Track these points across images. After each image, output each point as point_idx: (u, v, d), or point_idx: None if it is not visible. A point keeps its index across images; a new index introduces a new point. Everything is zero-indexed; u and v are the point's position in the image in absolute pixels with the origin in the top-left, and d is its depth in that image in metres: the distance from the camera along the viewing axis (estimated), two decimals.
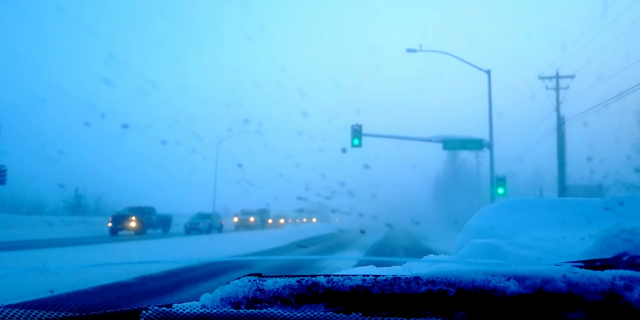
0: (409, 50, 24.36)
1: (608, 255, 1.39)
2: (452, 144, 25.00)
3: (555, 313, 0.89)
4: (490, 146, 23.81)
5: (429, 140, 24.34)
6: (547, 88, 26.40)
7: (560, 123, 25.55)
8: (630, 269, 1.03)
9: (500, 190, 21.62)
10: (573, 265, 1.09)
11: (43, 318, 0.83)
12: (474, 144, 24.81)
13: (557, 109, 25.91)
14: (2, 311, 0.81)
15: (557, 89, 26.17)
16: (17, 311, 0.82)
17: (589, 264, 1.28)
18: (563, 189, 26.25)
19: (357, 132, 23.69)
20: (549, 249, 1.96)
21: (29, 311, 0.83)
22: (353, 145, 23.56)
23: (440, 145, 24.39)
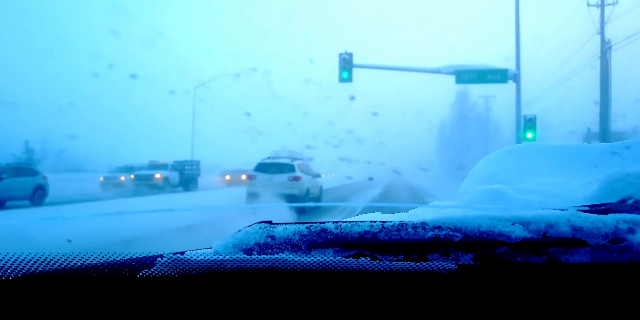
0: None
1: (613, 199, 1.40)
2: (468, 76, 19.05)
3: (559, 256, 0.92)
4: (517, 78, 18.58)
5: (438, 71, 19.29)
6: (588, 4, 20.42)
7: (605, 49, 19.62)
8: (635, 213, 1.05)
9: (530, 135, 17.09)
10: (577, 210, 1.10)
11: (63, 265, 0.86)
12: (496, 76, 18.66)
13: (601, 30, 19.80)
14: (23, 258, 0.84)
15: (602, 4, 20.09)
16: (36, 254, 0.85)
17: (594, 208, 1.30)
18: (606, 134, 20.59)
19: (346, 63, 18.47)
20: (554, 194, 1.98)
21: (51, 257, 0.86)
22: (342, 79, 18.49)
23: (451, 79, 19.14)
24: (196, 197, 23.58)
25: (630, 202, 1.28)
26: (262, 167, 17.39)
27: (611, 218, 0.96)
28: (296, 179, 16.74)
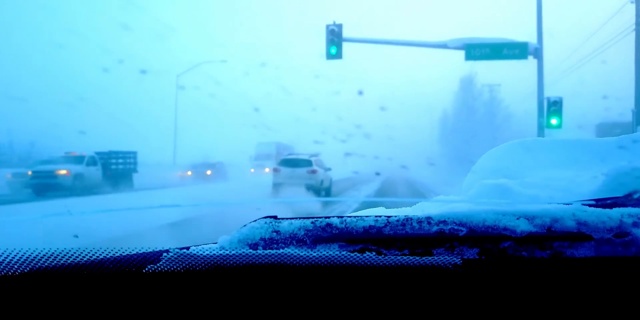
0: None
1: (619, 193, 1.40)
2: (481, 51, 15.95)
3: (564, 250, 0.92)
4: (538, 53, 15.82)
5: (444, 46, 16.36)
6: None
7: None
8: None
9: (555, 121, 14.59)
10: (583, 204, 1.10)
11: (70, 259, 0.87)
12: (514, 50, 15.73)
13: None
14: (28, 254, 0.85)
15: None
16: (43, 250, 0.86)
17: (600, 203, 1.30)
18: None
19: (334, 36, 15.54)
20: (560, 188, 1.98)
21: (57, 252, 0.87)
22: (330, 55, 15.68)
23: (460, 56, 16.13)
24: (104, 202, 16.85)
25: (636, 196, 1.28)
26: (285, 162, 20.56)
27: (616, 212, 0.96)
28: (313, 172, 19.61)
